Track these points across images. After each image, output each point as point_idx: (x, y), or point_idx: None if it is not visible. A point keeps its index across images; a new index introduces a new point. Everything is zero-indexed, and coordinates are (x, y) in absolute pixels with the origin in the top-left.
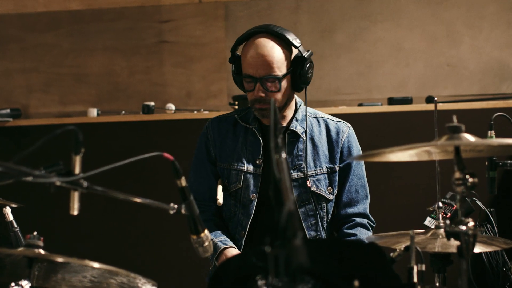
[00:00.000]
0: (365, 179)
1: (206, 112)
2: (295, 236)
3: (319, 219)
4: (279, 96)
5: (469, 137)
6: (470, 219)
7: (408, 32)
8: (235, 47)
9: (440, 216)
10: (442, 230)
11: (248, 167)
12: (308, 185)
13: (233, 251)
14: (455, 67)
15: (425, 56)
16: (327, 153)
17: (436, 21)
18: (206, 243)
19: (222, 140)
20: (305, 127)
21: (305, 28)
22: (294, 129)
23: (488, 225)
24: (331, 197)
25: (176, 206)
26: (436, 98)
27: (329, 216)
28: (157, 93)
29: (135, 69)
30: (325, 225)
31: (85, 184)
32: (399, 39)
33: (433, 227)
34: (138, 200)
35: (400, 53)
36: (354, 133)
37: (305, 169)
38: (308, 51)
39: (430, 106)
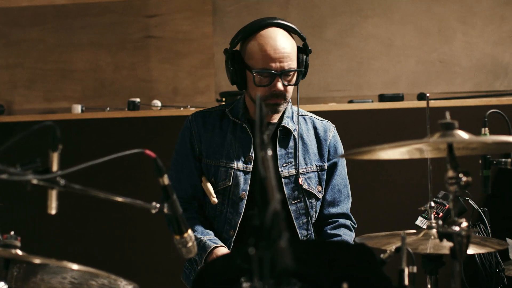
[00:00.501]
0: (347, 180)
1: (193, 108)
2: (280, 237)
3: (309, 218)
4: (292, 90)
5: (463, 134)
6: (463, 220)
7: (400, 28)
8: (236, 41)
9: (432, 216)
10: (434, 231)
11: (238, 164)
12: (300, 182)
13: (223, 250)
14: (447, 64)
15: (417, 53)
16: (316, 151)
17: (428, 17)
18: (190, 244)
19: (209, 136)
20: (296, 125)
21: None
22: (286, 125)
23: (481, 225)
24: (320, 195)
25: (158, 205)
26: (428, 95)
27: (316, 215)
28: (143, 89)
29: (120, 64)
30: (311, 221)
31: (62, 182)
32: (391, 35)
33: (424, 227)
34: (118, 199)
35: (391, 49)
36: (337, 133)
37: (297, 166)
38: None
39: (422, 103)
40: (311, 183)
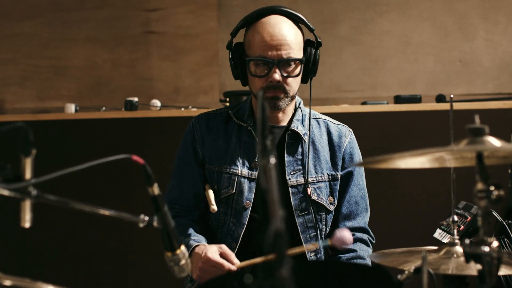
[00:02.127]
0: (366, 190)
1: (195, 109)
2: (282, 263)
3: (318, 232)
4: (294, 84)
5: (494, 141)
6: (493, 239)
7: (417, 24)
8: (237, 30)
9: (455, 231)
10: (457, 248)
11: (242, 170)
12: (309, 192)
13: (203, 248)
14: (468, 63)
15: (436, 51)
16: (328, 158)
17: (447, 13)
18: (183, 261)
19: (212, 140)
20: (307, 128)
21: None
22: (296, 129)
23: (505, 239)
24: (331, 207)
25: (147, 218)
26: (452, 96)
27: (328, 229)
28: (142, 88)
29: (119, 61)
30: (324, 237)
31: (34, 192)
32: (407, 32)
33: (445, 241)
34: (102, 212)
35: (408, 47)
36: (355, 139)
37: (306, 175)
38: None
39: (441, 106)
40: (321, 194)
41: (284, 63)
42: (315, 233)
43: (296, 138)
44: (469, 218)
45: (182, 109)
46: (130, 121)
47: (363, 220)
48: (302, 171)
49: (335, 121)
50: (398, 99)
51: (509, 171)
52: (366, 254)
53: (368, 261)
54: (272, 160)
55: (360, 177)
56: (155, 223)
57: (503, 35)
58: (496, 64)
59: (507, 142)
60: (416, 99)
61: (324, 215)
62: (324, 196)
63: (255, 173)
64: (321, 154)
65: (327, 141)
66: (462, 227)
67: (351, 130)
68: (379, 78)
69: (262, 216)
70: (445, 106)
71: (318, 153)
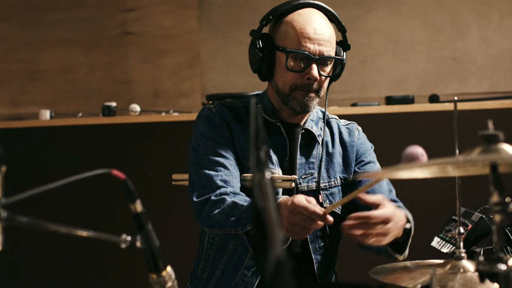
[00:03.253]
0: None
1: (176, 113)
2: None
3: (328, 241)
4: (325, 84)
5: (509, 149)
6: (510, 256)
7: (407, 21)
8: (265, 22)
9: (461, 244)
10: (464, 262)
11: (278, 170)
12: (320, 200)
13: (289, 198)
14: (461, 61)
15: (427, 49)
16: (341, 160)
17: (439, 9)
18: (169, 284)
19: (241, 130)
20: (321, 130)
21: None
22: (310, 129)
23: (508, 247)
24: (346, 215)
25: (129, 238)
26: (456, 98)
27: (341, 237)
28: (120, 92)
29: (95, 64)
30: (336, 247)
31: (3, 214)
32: (397, 30)
33: (443, 250)
34: (77, 232)
35: (398, 46)
36: (364, 135)
37: (318, 179)
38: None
39: (435, 106)
40: (333, 201)
41: (323, 60)
42: (323, 243)
43: (310, 139)
44: (470, 226)
45: (163, 113)
46: (108, 127)
47: (390, 197)
48: (314, 175)
49: (342, 121)
50: (389, 100)
51: None
52: (407, 212)
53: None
54: (268, 174)
55: (375, 163)
56: (138, 243)
57: (496, 32)
58: (490, 61)
59: None
60: (408, 100)
61: (338, 224)
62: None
63: (286, 175)
64: (334, 156)
65: (339, 142)
66: (463, 232)
67: (359, 128)
68: (368, 78)
69: (258, 237)
70: (439, 106)
71: (331, 155)
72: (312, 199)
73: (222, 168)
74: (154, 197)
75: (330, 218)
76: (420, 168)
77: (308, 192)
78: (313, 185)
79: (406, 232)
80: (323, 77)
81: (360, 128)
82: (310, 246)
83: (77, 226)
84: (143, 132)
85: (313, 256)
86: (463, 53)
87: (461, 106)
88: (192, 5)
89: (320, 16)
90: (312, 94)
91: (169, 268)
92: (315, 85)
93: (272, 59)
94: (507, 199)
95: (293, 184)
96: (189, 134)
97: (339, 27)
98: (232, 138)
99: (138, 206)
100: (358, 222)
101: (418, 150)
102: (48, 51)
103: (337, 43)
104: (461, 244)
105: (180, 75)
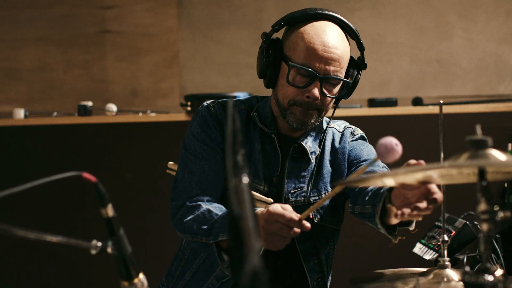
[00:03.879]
0: None
1: (153, 114)
2: None
3: (323, 258)
4: (330, 104)
5: (497, 155)
6: (497, 267)
7: (391, 23)
8: (277, 27)
9: (445, 253)
10: (448, 271)
11: (265, 186)
12: (311, 215)
13: (265, 208)
14: (445, 64)
15: (411, 51)
16: (330, 169)
17: (423, 10)
18: None
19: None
20: (318, 146)
21: (271, 17)
22: (304, 145)
23: (492, 255)
24: (339, 226)
25: (100, 243)
26: (442, 101)
27: (335, 247)
28: (97, 91)
29: (72, 63)
30: (330, 261)
31: None
32: (380, 31)
33: (426, 257)
34: (47, 238)
35: (381, 47)
36: (363, 138)
37: (308, 194)
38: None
39: (418, 109)
40: (325, 215)
41: (328, 80)
42: (318, 260)
43: (302, 153)
44: (454, 232)
45: (140, 114)
46: (83, 127)
47: None
48: (304, 190)
49: (344, 125)
50: (372, 103)
51: (505, 185)
52: None
53: None
54: (245, 179)
55: (370, 150)
56: (109, 249)
57: (482, 34)
58: (475, 64)
59: (507, 155)
60: (391, 103)
61: (331, 236)
62: (328, 216)
63: (275, 190)
64: (325, 167)
65: (330, 150)
66: (448, 240)
67: (358, 132)
68: None
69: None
70: (422, 109)
71: (323, 168)
72: (288, 206)
73: (205, 175)
74: (132, 199)
75: (308, 224)
76: (404, 175)
77: (297, 207)
78: (301, 199)
79: None
80: (326, 97)
81: (359, 132)
82: (304, 265)
83: (49, 230)
84: (120, 132)
85: (308, 275)
86: (448, 56)
87: (445, 109)
88: (171, 4)
89: (335, 31)
90: (312, 112)
91: (141, 275)
92: (316, 103)
93: (277, 67)
94: (495, 208)
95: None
96: (166, 135)
97: (358, 45)
98: (223, 143)
99: (110, 211)
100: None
101: (392, 140)
102: (24, 49)
103: (352, 61)
104: (445, 252)
105: (159, 74)
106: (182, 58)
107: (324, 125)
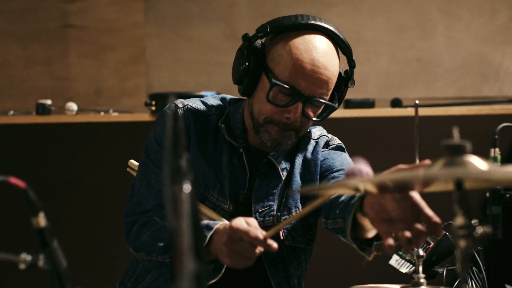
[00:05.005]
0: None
1: (116, 114)
2: None
3: (296, 282)
4: (310, 125)
5: (476, 162)
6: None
7: (369, 20)
8: (263, 32)
9: (420, 268)
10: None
11: (230, 205)
12: (281, 237)
13: (227, 223)
14: (426, 64)
15: (390, 50)
16: (301, 183)
17: (404, 7)
18: None
19: (200, 147)
20: (289, 163)
21: (243, 12)
22: (274, 160)
23: (473, 268)
24: (311, 244)
25: (29, 257)
26: (417, 102)
27: (307, 268)
28: (59, 89)
29: (33, 59)
30: (302, 282)
31: None
32: (358, 28)
33: (403, 270)
34: None
35: (359, 45)
36: (340, 148)
37: (277, 214)
38: None
39: (397, 111)
40: (296, 234)
41: (312, 102)
42: (290, 284)
43: (271, 169)
44: (432, 244)
45: (102, 113)
46: (41, 127)
47: None
48: (273, 208)
49: (319, 133)
50: (348, 104)
51: (487, 194)
52: None
53: None
54: (187, 187)
55: (348, 165)
56: (40, 263)
57: (465, 32)
58: (457, 64)
59: (489, 161)
60: (368, 104)
61: (303, 257)
62: (300, 236)
63: (241, 209)
64: (295, 181)
65: (302, 162)
66: (423, 254)
67: (334, 142)
68: None
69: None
70: (401, 111)
71: (292, 182)
72: (253, 221)
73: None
74: (91, 202)
75: (274, 245)
76: (371, 183)
77: (265, 228)
78: (270, 219)
79: None
80: (308, 119)
81: (335, 142)
82: None
83: None
84: (80, 133)
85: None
86: (429, 55)
87: (425, 111)
88: None
89: (327, 48)
90: (290, 133)
91: None
92: (295, 125)
93: (256, 78)
94: (474, 221)
95: None
96: (129, 136)
97: (349, 61)
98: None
99: (42, 220)
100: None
101: (363, 168)
102: None
103: (339, 78)
104: (420, 268)
105: (124, 72)
106: (149, 55)
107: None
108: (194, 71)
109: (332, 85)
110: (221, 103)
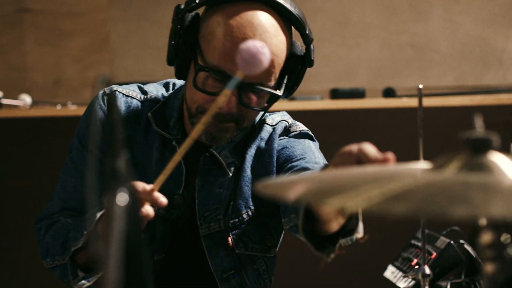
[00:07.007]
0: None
1: (74, 107)
2: None
3: None
4: (255, 116)
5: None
6: None
7: (358, 1)
8: (195, 4)
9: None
10: None
11: (160, 208)
12: (230, 244)
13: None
14: (421, 49)
15: (382, 34)
16: (251, 175)
17: None
18: None
19: (131, 139)
20: (236, 156)
21: None
22: (218, 154)
23: (480, 281)
24: (272, 252)
25: None
26: (421, 86)
27: (272, 279)
28: (15, 79)
29: None
30: None
31: None
32: (346, 10)
33: (400, 285)
34: None
35: (347, 30)
36: (304, 135)
37: (225, 217)
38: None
39: (390, 102)
40: (249, 241)
41: (250, 90)
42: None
43: (215, 165)
44: (435, 254)
45: (59, 106)
46: None
47: None
48: (220, 211)
49: (274, 118)
50: (335, 94)
51: None
52: None
53: None
54: (123, 197)
55: (312, 154)
56: None
57: (464, 14)
58: (456, 50)
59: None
60: (358, 93)
61: (263, 265)
62: (254, 242)
63: (177, 213)
64: (244, 176)
65: (254, 153)
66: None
67: (295, 129)
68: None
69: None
70: (395, 102)
71: (241, 178)
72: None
73: (78, 194)
74: (46, 202)
75: (163, 199)
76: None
77: (212, 235)
78: (216, 225)
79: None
80: (248, 109)
81: (298, 128)
82: None
83: None
84: (35, 128)
85: None
86: (425, 39)
87: (424, 101)
88: None
89: (268, 24)
90: (227, 126)
91: None
92: (232, 115)
93: (187, 58)
94: (503, 238)
95: None
96: None
97: (304, 37)
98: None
99: None
100: None
101: (256, 43)
102: None
103: (294, 57)
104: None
105: (86, 60)
106: (114, 41)
107: (257, 119)
108: (163, 59)
109: (276, 69)
110: (164, 89)
